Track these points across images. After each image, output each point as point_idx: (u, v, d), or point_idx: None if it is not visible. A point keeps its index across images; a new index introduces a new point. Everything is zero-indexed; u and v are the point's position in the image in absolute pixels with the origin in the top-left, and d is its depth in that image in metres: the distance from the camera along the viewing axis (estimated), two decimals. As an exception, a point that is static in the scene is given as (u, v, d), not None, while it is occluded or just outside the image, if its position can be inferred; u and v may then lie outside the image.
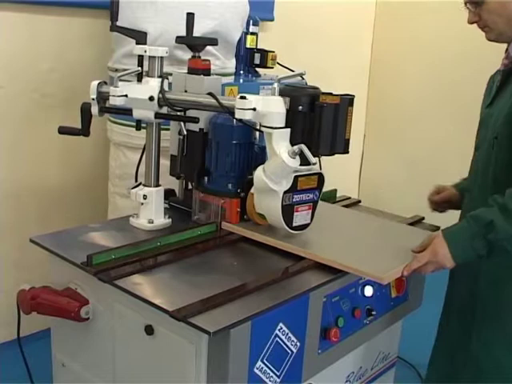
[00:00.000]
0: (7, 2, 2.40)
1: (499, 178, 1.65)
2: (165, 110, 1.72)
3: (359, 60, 4.22)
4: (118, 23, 1.82)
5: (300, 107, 1.57)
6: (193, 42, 1.80)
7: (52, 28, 2.58)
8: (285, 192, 1.58)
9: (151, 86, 1.70)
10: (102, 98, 1.72)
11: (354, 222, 1.96)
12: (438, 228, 2.00)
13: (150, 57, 1.72)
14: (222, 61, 2.29)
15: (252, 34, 2.77)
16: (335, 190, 2.24)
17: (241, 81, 2.57)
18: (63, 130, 1.81)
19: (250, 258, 1.63)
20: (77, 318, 1.53)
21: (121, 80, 1.68)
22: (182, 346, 1.33)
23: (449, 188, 1.99)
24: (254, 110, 1.50)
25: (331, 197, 2.21)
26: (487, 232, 1.48)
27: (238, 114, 1.52)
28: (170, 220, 1.81)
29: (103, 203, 2.48)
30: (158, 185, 1.82)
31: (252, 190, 1.68)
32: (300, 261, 1.59)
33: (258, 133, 1.72)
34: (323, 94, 1.58)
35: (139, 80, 1.73)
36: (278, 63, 2.84)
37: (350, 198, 2.28)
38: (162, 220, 1.80)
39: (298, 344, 1.45)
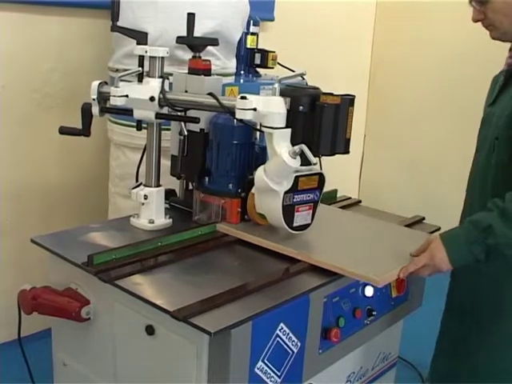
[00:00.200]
0: (8, 2, 2.40)
1: (499, 179, 1.64)
2: (165, 110, 1.72)
3: (360, 60, 4.22)
4: (119, 23, 1.82)
5: (301, 107, 1.57)
6: (193, 43, 1.80)
7: (53, 28, 2.58)
8: (285, 192, 1.58)
9: (152, 86, 1.70)
10: (103, 98, 1.72)
11: (350, 224, 1.95)
12: (438, 228, 2.00)
13: (150, 57, 1.72)
14: (223, 61, 2.29)
15: (252, 34, 2.77)
16: (336, 191, 2.24)
17: (241, 81, 2.57)
18: (64, 130, 1.81)
19: (251, 259, 1.63)
20: (77, 318, 1.54)
21: (121, 80, 1.68)
22: (183, 346, 1.33)
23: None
24: (255, 110, 1.51)
25: (332, 197, 2.21)
26: (486, 236, 1.47)
27: (239, 114, 1.52)
28: (171, 220, 1.81)
29: (104, 203, 2.48)
30: (158, 185, 1.82)
31: (253, 190, 1.69)
32: (300, 261, 1.59)
33: (258, 133, 1.72)
34: (324, 94, 1.58)
35: (140, 80, 1.73)
36: (278, 63, 2.84)
37: (350, 198, 2.28)
38: (162, 220, 1.80)
39: (299, 344, 1.45)
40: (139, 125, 1.82)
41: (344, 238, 1.80)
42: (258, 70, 2.80)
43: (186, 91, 1.76)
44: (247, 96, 1.51)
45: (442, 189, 3.85)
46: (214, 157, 1.77)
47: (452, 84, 3.81)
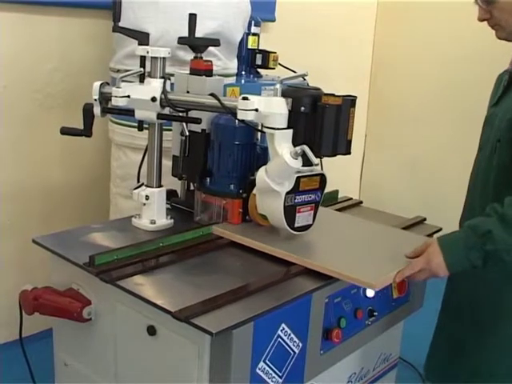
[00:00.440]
0: (10, 3, 2.40)
1: (500, 181, 1.63)
2: (167, 110, 1.72)
3: (360, 61, 4.22)
4: (120, 24, 1.82)
5: (302, 108, 1.56)
6: (195, 43, 1.80)
7: (54, 28, 2.58)
8: (287, 193, 1.58)
9: (153, 86, 1.70)
10: (105, 98, 1.73)
11: (347, 227, 1.93)
12: (440, 229, 2.00)
13: (152, 57, 1.72)
14: (224, 61, 2.29)
15: (254, 34, 2.77)
16: (337, 191, 2.24)
17: (242, 81, 2.57)
18: (65, 131, 1.81)
19: (252, 259, 1.63)
20: (79, 318, 1.54)
21: (123, 81, 1.68)
22: (185, 346, 1.33)
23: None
24: (257, 110, 1.51)
25: (333, 198, 2.21)
26: (485, 242, 1.45)
27: (241, 115, 1.52)
28: (172, 221, 1.82)
29: (105, 204, 2.48)
30: (160, 185, 1.82)
31: (254, 191, 1.69)
32: (300, 263, 1.59)
33: (259, 133, 1.72)
34: (325, 94, 1.58)
35: (141, 81, 1.73)
36: (279, 64, 2.84)
37: (351, 198, 2.28)
38: (164, 220, 1.80)
39: (300, 345, 1.45)
40: (141, 125, 1.82)
41: (341, 240, 1.79)
42: (259, 70, 2.81)
43: (188, 92, 1.76)
44: (249, 97, 1.51)
45: (443, 189, 3.85)
46: (215, 157, 1.77)
47: (453, 85, 3.81)
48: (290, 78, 1.63)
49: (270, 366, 1.38)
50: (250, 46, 2.76)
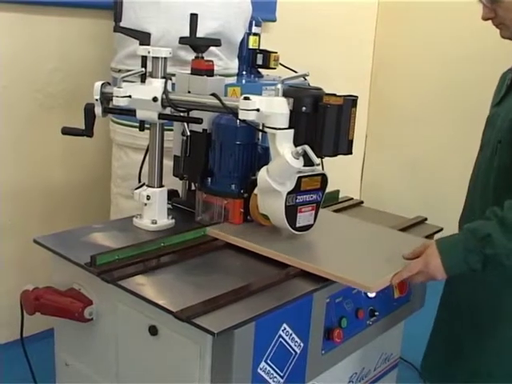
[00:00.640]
0: (11, 3, 2.40)
1: (500, 182, 1.62)
2: (168, 110, 1.73)
3: (361, 61, 4.22)
4: (121, 24, 1.82)
5: (303, 108, 1.56)
6: (196, 43, 1.80)
7: (55, 28, 2.58)
8: (288, 193, 1.58)
9: (155, 86, 1.70)
10: (106, 98, 1.73)
11: (344, 228, 1.91)
12: (441, 229, 2.00)
13: (153, 57, 1.72)
14: (225, 61, 2.29)
15: (254, 34, 2.77)
16: (338, 191, 2.24)
17: (243, 81, 2.57)
18: (66, 131, 1.81)
19: (253, 259, 1.63)
20: (80, 318, 1.54)
21: (124, 81, 1.68)
22: (186, 346, 1.33)
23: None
24: (258, 110, 1.51)
25: (334, 198, 2.21)
26: (484, 246, 1.43)
27: (242, 115, 1.52)
28: (174, 221, 1.82)
29: (106, 204, 2.48)
30: (161, 185, 1.82)
31: (255, 191, 1.69)
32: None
33: (260, 133, 1.72)
34: (327, 94, 1.57)
35: (143, 81, 1.73)
36: (280, 64, 2.84)
37: (352, 198, 2.28)
38: (165, 220, 1.80)
39: (302, 345, 1.45)
40: (142, 125, 1.82)
41: (338, 242, 1.77)
42: (260, 70, 2.81)
43: (189, 92, 1.76)
44: (250, 97, 1.51)
45: (444, 189, 3.85)
46: (216, 157, 1.77)
47: (454, 85, 3.81)
48: (291, 78, 1.63)
49: (271, 366, 1.38)
50: (250, 46, 2.76)
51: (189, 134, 1.80)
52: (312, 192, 1.64)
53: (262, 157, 1.77)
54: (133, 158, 2.24)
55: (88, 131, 1.77)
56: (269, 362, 1.37)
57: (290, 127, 1.54)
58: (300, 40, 3.51)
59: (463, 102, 3.73)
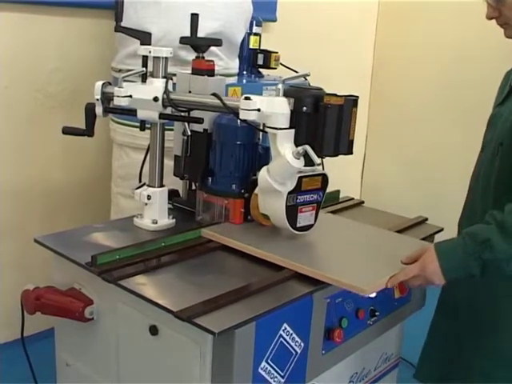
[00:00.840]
0: (11, 3, 2.40)
1: (501, 183, 1.60)
2: (169, 110, 1.73)
3: (362, 61, 4.22)
4: (122, 24, 1.82)
5: (304, 108, 1.56)
6: (197, 43, 1.81)
7: (56, 28, 2.58)
8: (289, 193, 1.58)
9: (156, 86, 1.70)
10: (107, 98, 1.73)
11: (341, 229, 1.90)
12: (441, 229, 2.00)
13: (154, 57, 1.72)
14: (226, 61, 2.29)
15: (255, 34, 2.77)
16: (338, 191, 2.24)
17: (244, 81, 2.57)
18: (67, 131, 1.81)
19: (254, 259, 1.63)
20: (81, 318, 1.54)
21: (125, 80, 1.68)
22: (187, 346, 1.33)
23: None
24: (259, 110, 1.51)
25: (334, 198, 2.21)
26: (483, 251, 1.41)
27: (243, 115, 1.52)
28: (174, 220, 1.82)
29: (106, 204, 2.48)
30: (161, 185, 1.82)
31: (256, 191, 1.69)
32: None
33: (261, 133, 1.72)
34: (327, 94, 1.57)
35: (143, 80, 1.73)
36: (281, 64, 2.84)
37: (353, 198, 2.28)
38: (165, 220, 1.80)
39: (302, 344, 1.45)
40: (143, 125, 1.83)
41: (334, 244, 1.76)
42: (260, 70, 2.81)
43: (190, 91, 1.76)
44: (251, 96, 1.51)
45: (445, 189, 3.85)
46: (217, 157, 1.77)
47: (454, 85, 3.81)
48: (291, 78, 1.63)
49: (272, 366, 1.38)
50: (251, 46, 2.76)
51: (189, 133, 1.80)
52: (313, 192, 1.64)
53: (263, 157, 1.77)
54: (133, 157, 2.24)
55: (89, 131, 1.78)
56: (269, 361, 1.37)
57: (290, 127, 1.54)
58: (301, 40, 3.51)
59: (464, 101, 3.73)
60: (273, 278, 1.49)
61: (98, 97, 1.72)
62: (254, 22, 2.73)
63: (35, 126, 2.63)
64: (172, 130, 1.89)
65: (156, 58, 1.72)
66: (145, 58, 1.74)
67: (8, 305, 2.06)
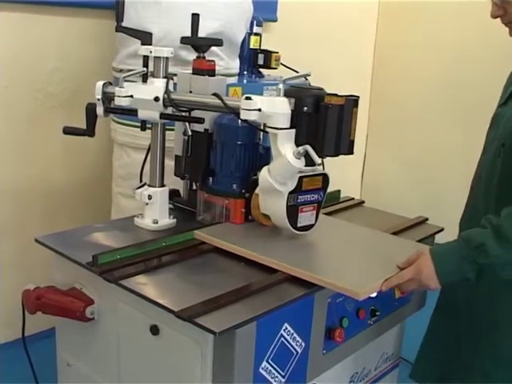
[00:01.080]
0: (11, 2, 2.40)
1: (503, 184, 1.59)
2: (170, 110, 1.73)
3: (362, 61, 4.22)
4: (123, 24, 1.82)
5: (305, 108, 1.56)
6: (198, 43, 1.81)
7: (56, 28, 2.58)
8: (290, 192, 1.58)
9: (156, 86, 1.70)
10: (107, 98, 1.73)
11: (337, 232, 1.88)
12: (442, 229, 2.00)
13: (155, 57, 1.72)
14: (226, 61, 2.29)
15: (256, 34, 2.77)
16: (339, 191, 2.24)
17: (244, 81, 2.57)
18: (68, 130, 1.81)
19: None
20: (82, 317, 1.54)
21: (126, 80, 1.68)
22: (188, 346, 1.33)
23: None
24: (260, 110, 1.51)
25: (335, 198, 2.21)
26: (477, 255, 1.40)
27: (244, 115, 1.52)
28: (175, 220, 1.82)
29: (107, 204, 2.48)
30: (162, 185, 1.82)
31: (257, 191, 1.69)
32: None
33: (262, 133, 1.72)
34: (328, 94, 1.57)
35: (144, 80, 1.73)
36: (281, 64, 2.85)
37: (353, 198, 2.28)
38: (166, 220, 1.80)
39: (303, 344, 1.45)
40: (144, 125, 1.83)
41: (330, 246, 1.74)
42: (261, 70, 2.81)
43: (191, 91, 1.76)
44: (252, 96, 1.51)
45: (446, 189, 3.85)
46: (218, 157, 1.77)
47: (455, 85, 3.81)
48: (292, 78, 1.63)
49: (272, 366, 1.38)
50: (252, 46, 2.76)
51: (190, 133, 1.80)
52: (313, 192, 1.64)
53: (264, 157, 1.77)
54: (134, 157, 2.24)
55: (90, 131, 1.78)
56: (270, 361, 1.37)
57: (291, 127, 1.54)
58: (301, 40, 3.52)
59: (464, 101, 3.73)
60: (273, 278, 1.49)
61: (99, 97, 1.72)
62: (255, 22, 2.73)
63: (35, 126, 2.62)
64: (173, 129, 1.89)
65: (157, 58, 1.73)
66: (145, 58, 1.74)
67: (9, 304, 2.05)
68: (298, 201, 1.61)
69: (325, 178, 1.65)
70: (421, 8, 3.93)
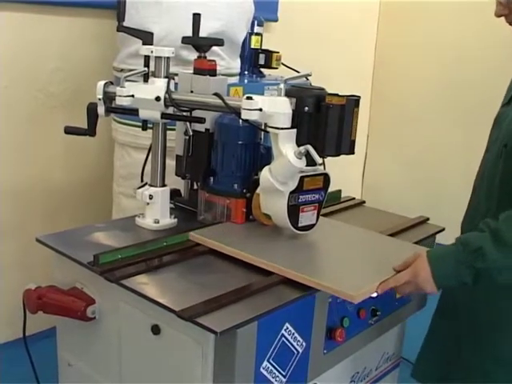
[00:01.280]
0: (12, 2, 2.41)
1: (506, 184, 1.58)
2: (171, 110, 1.73)
3: (363, 61, 4.23)
4: (124, 23, 1.83)
5: (306, 108, 1.56)
6: (199, 43, 1.81)
7: (57, 28, 2.59)
8: (291, 192, 1.58)
9: (157, 86, 1.70)
10: (109, 98, 1.73)
11: (335, 234, 1.86)
12: (443, 229, 1.99)
13: (156, 57, 1.72)
14: (227, 61, 2.29)
15: (257, 34, 2.78)
16: (340, 191, 2.24)
17: (245, 81, 2.57)
18: (69, 130, 1.81)
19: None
20: (83, 317, 1.54)
21: (127, 80, 1.68)
22: (189, 345, 1.33)
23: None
24: (261, 110, 1.51)
25: (336, 197, 2.21)
26: (475, 259, 1.38)
27: (245, 115, 1.52)
28: (176, 220, 1.82)
29: (108, 203, 2.48)
30: (163, 185, 1.82)
31: (258, 191, 1.69)
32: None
33: (263, 133, 1.72)
34: (329, 94, 1.57)
35: (145, 80, 1.73)
36: (282, 64, 2.85)
37: (354, 198, 2.28)
38: (167, 220, 1.80)
39: (304, 344, 1.45)
40: (145, 125, 1.83)
41: (327, 248, 1.73)
42: (262, 70, 2.81)
43: (192, 91, 1.76)
44: (253, 96, 1.51)
45: (446, 189, 3.85)
46: (219, 157, 1.77)
47: (455, 85, 3.81)
48: (293, 78, 1.63)
49: (273, 366, 1.38)
50: (253, 46, 2.77)
51: (191, 133, 1.80)
52: (314, 192, 1.64)
53: (265, 156, 1.77)
54: (135, 157, 2.24)
55: (91, 131, 1.78)
56: (271, 361, 1.37)
57: (292, 127, 1.54)
58: (302, 40, 3.52)
59: (464, 101, 3.74)
60: (273, 278, 1.49)
61: (100, 96, 1.72)
62: (256, 22, 2.73)
63: (36, 126, 2.63)
64: (174, 129, 1.89)
65: (158, 58, 1.73)
66: (147, 58, 1.74)
67: (10, 304, 2.05)
68: (299, 200, 1.61)
69: (326, 178, 1.65)
70: (421, 8, 3.93)
